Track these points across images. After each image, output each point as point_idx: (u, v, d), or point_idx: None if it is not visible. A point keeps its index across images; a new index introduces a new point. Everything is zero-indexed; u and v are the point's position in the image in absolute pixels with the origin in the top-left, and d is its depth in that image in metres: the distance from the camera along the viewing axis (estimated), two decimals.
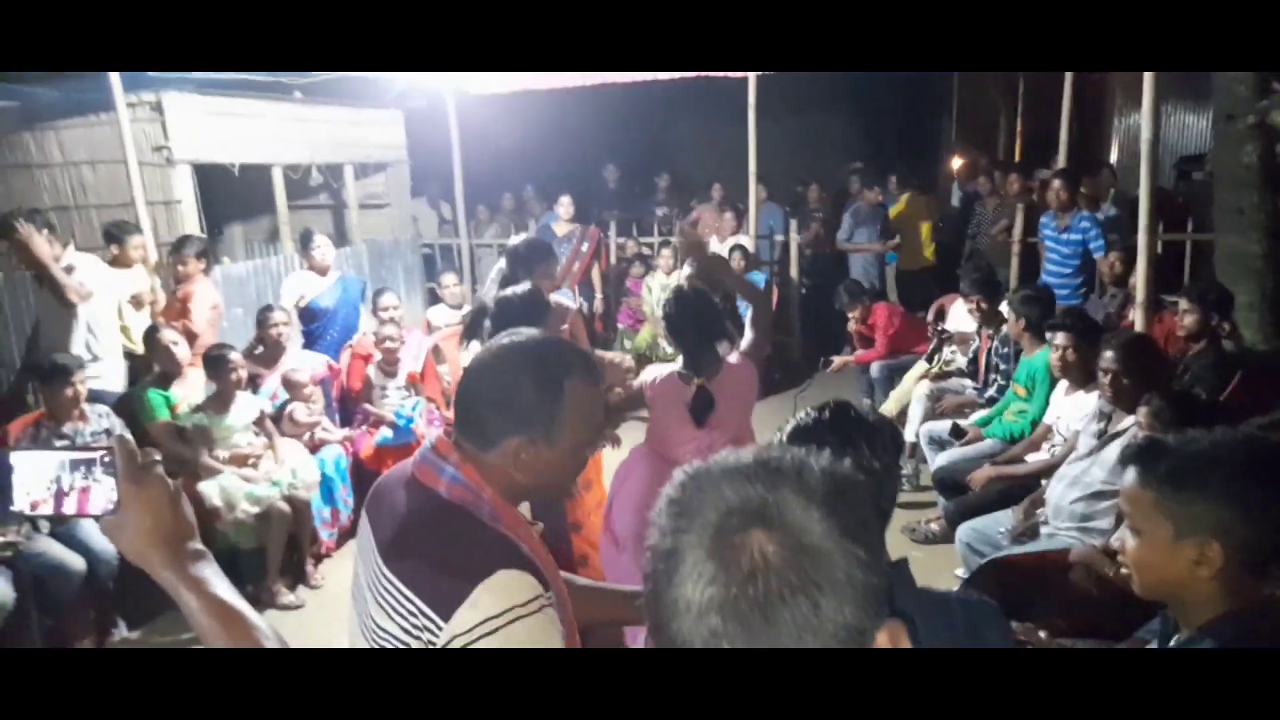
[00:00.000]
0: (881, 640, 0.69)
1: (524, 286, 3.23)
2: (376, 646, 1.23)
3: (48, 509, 1.05)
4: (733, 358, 3.06)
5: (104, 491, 1.02)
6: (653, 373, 3.19)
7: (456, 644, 1.13)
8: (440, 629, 1.14)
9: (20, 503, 1.05)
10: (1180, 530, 1.32)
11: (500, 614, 1.12)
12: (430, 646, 1.16)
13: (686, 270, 4.29)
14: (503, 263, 4.10)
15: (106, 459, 1.02)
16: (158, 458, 1.05)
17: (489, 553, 1.18)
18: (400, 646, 1.19)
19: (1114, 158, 11.06)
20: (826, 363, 6.29)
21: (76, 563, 3.62)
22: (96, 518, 1.02)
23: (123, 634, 3.91)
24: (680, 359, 3.07)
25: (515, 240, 4.14)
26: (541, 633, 1.15)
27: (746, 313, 3.12)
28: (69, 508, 1.03)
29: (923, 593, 1.39)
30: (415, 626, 1.16)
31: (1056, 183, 5.60)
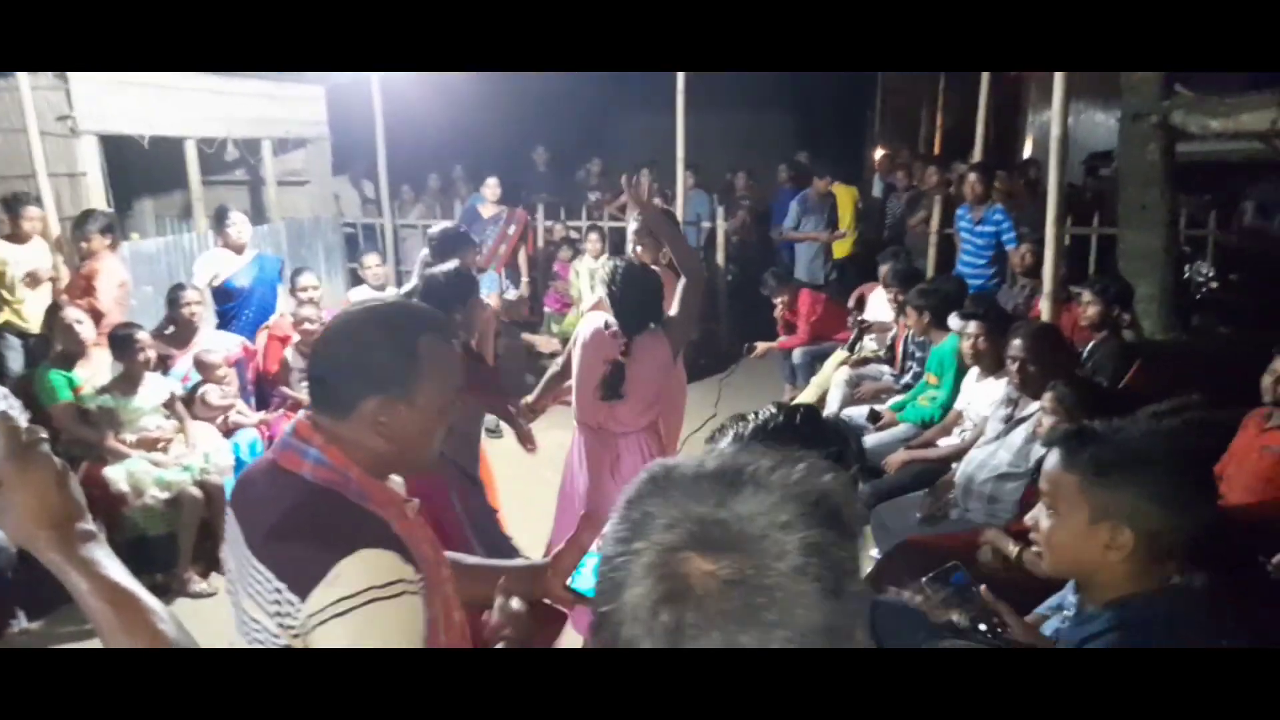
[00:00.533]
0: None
1: (450, 264, 3.21)
2: (251, 640, 1.21)
3: None
4: (648, 333, 3.07)
5: None
6: (584, 325, 3.24)
7: (312, 624, 1.12)
8: (298, 609, 1.12)
9: None
10: (1096, 514, 1.37)
11: (355, 594, 1.11)
12: (290, 630, 1.14)
13: (633, 223, 4.25)
14: (426, 251, 4.08)
15: None
16: (43, 435, 1.00)
17: (354, 531, 1.16)
18: (271, 636, 1.17)
19: (1028, 152, 11.46)
20: (750, 348, 6.39)
21: None
22: None
23: (22, 625, 3.74)
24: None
25: (433, 230, 4.13)
26: (396, 620, 1.13)
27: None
28: None
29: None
30: (279, 612, 1.14)
31: (972, 176, 5.77)
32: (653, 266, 3.40)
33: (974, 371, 4.06)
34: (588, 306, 6.95)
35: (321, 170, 7.99)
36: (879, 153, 10.94)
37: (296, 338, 4.88)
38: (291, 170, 7.65)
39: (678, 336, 3.12)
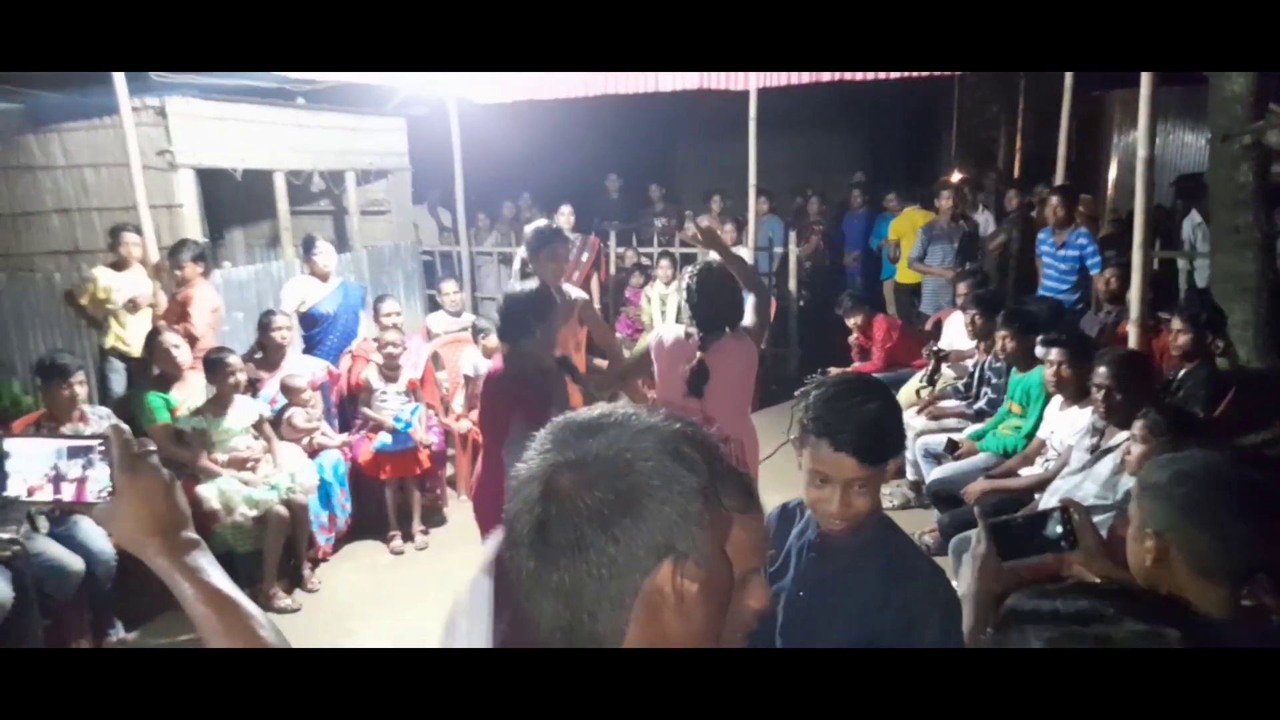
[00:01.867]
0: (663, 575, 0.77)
1: (531, 282, 3.31)
2: None
3: (45, 496, 1.05)
4: (732, 336, 3.15)
5: (99, 480, 1.02)
6: (660, 334, 3.32)
7: None
8: None
9: (16, 489, 1.05)
10: (1143, 522, 1.40)
11: None
12: None
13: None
14: (523, 251, 4.22)
15: (102, 448, 1.02)
16: (152, 447, 1.05)
17: None
18: None
19: (1113, 175, 11.13)
20: (824, 373, 6.30)
21: (75, 563, 3.64)
22: (91, 505, 1.03)
23: (119, 635, 3.92)
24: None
25: (527, 229, 4.22)
26: None
27: (748, 299, 3.22)
28: (66, 495, 1.04)
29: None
30: None
31: (1054, 199, 5.64)
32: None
33: (1057, 399, 3.96)
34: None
35: (402, 200, 8.23)
36: (955, 176, 10.78)
37: (380, 360, 5.02)
38: (373, 200, 7.91)
39: (755, 338, 3.21)
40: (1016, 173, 12.71)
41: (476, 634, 1.15)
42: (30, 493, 1.05)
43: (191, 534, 1.03)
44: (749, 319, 3.22)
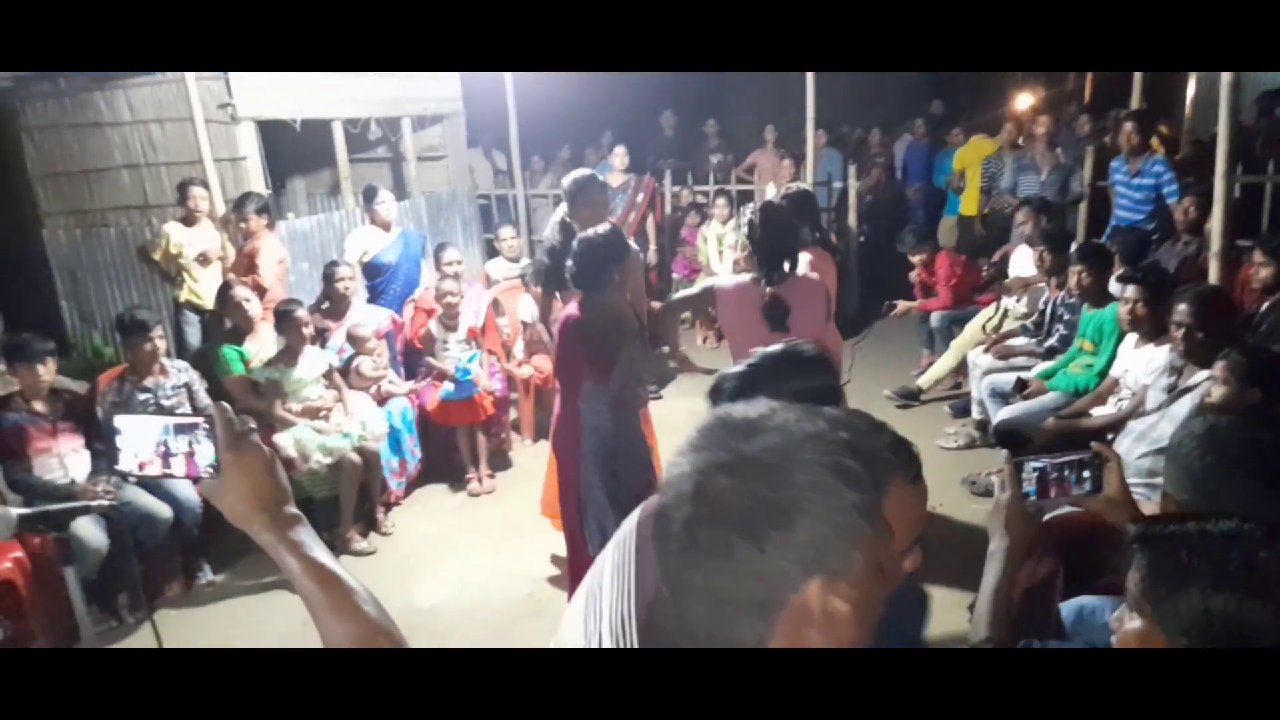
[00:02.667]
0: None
1: (604, 226, 3.32)
2: None
3: (154, 470, 1.10)
4: (805, 271, 3.17)
5: (205, 456, 1.07)
6: (717, 281, 3.33)
7: None
8: None
9: (127, 463, 1.11)
10: (1166, 485, 1.47)
11: None
12: None
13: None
14: (565, 205, 4.21)
15: (206, 426, 1.06)
16: (253, 425, 1.09)
17: None
18: None
19: (1191, 92, 10.56)
20: (890, 306, 6.23)
21: (164, 510, 3.82)
22: (198, 480, 1.08)
23: (208, 577, 4.12)
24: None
25: (566, 180, 4.22)
26: None
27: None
28: (176, 469, 1.08)
29: None
30: None
31: (1129, 125, 5.40)
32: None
33: (1131, 337, 3.84)
34: (717, 270, 6.94)
35: (457, 144, 8.23)
36: (1022, 99, 10.33)
37: (440, 310, 5.09)
38: (429, 146, 7.92)
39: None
40: (1088, 96, 12.17)
41: (620, 611, 1.18)
42: (141, 467, 1.10)
43: (294, 509, 1.06)
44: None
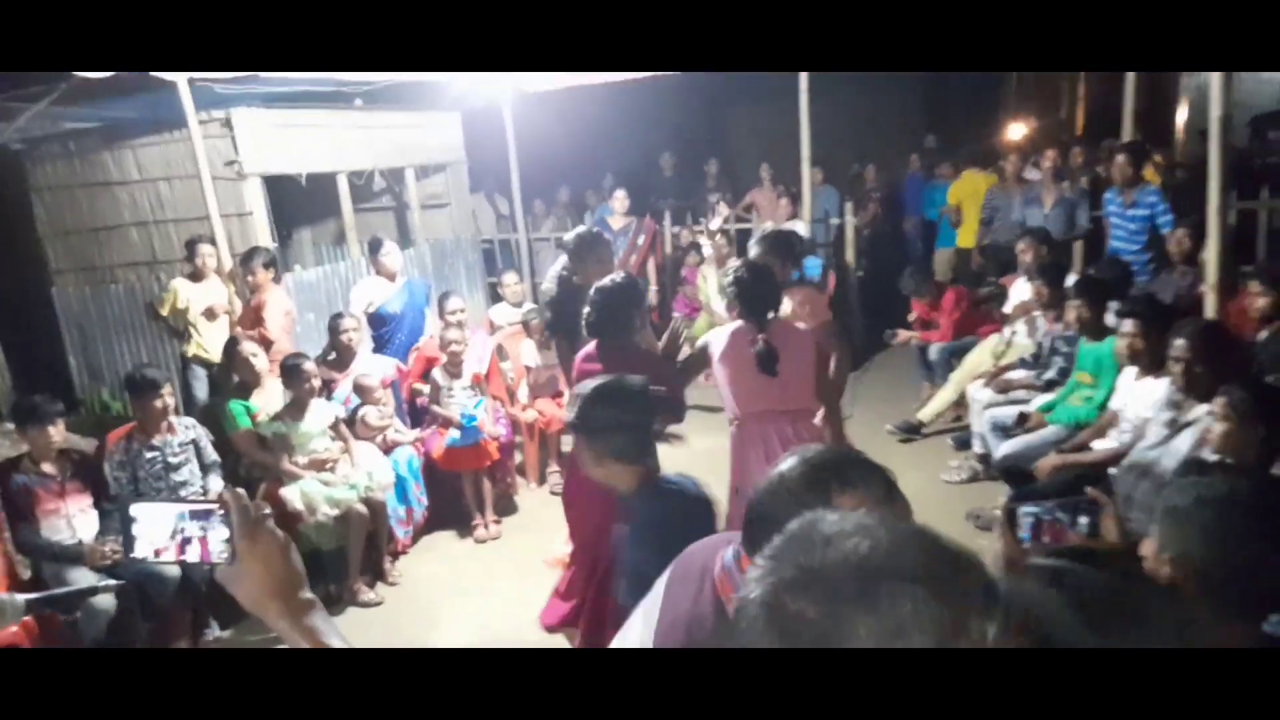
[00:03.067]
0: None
1: (620, 275, 3.40)
2: None
3: (170, 556, 1.14)
4: (789, 309, 3.37)
5: (219, 541, 1.10)
6: (711, 336, 3.42)
7: None
8: None
9: (144, 550, 1.14)
10: (1162, 545, 1.45)
11: None
12: None
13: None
14: (565, 259, 4.25)
15: (221, 511, 1.09)
16: (268, 511, 1.11)
17: None
18: None
19: (1183, 117, 10.65)
20: (892, 334, 6.29)
21: (172, 570, 3.83)
22: (214, 566, 1.10)
23: (215, 633, 4.13)
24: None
25: (568, 237, 4.28)
26: None
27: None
28: (191, 555, 1.11)
29: None
30: None
31: (1121, 157, 5.46)
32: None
33: (1131, 370, 3.85)
34: (717, 309, 6.98)
35: (459, 191, 8.35)
36: (1014, 129, 10.43)
37: (444, 358, 5.13)
38: (433, 194, 8.04)
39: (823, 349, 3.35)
40: (1080, 121, 12.28)
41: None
42: (157, 554, 1.13)
43: (308, 594, 1.08)
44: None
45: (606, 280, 3.37)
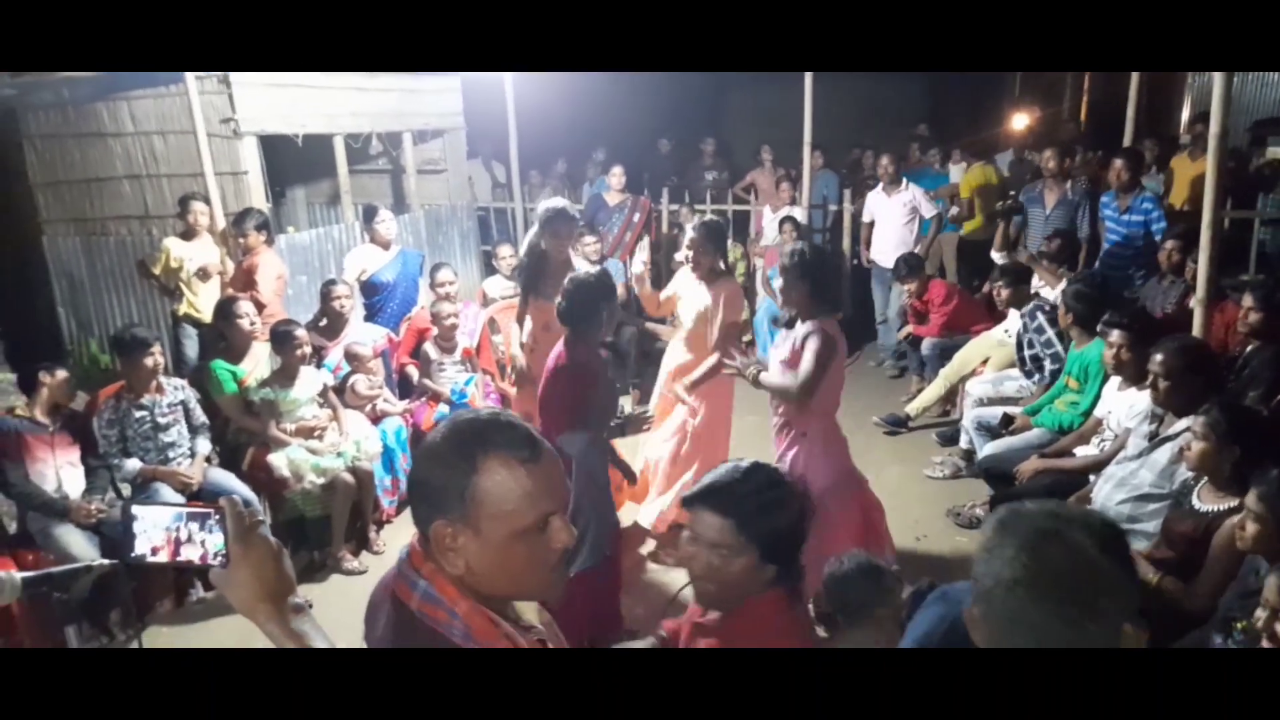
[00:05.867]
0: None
1: (595, 268, 3.46)
2: None
3: (165, 556, 1.18)
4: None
5: (215, 545, 1.14)
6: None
7: None
8: None
9: (142, 549, 1.19)
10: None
11: None
12: None
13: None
14: (535, 229, 4.40)
15: (217, 516, 1.14)
16: (262, 518, 1.15)
17: None
18: None
19: (1185, 118, 10.62)
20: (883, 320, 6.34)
21: None
22: (208, 569, 1.15)
23: (199, 594, 4.15)
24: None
25: (541, 208, 4.47)
26: None
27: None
28: (188, 555, 1.16)
29: None
30: None
31: (1118, 162, 5.46)
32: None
33: (1115, 378, 3.90)
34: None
35: (457, 157, 8.29)
36: (1018, 119, 10.33)
37: (435, 331, 5.13)
38: (429, 159, 7.98)
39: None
40: (1083, 116, 12.25)
41: None
42: (154, 552, 1.17)
43: (298, 599, 1.13)
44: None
45: (581, 272, 3.52)
